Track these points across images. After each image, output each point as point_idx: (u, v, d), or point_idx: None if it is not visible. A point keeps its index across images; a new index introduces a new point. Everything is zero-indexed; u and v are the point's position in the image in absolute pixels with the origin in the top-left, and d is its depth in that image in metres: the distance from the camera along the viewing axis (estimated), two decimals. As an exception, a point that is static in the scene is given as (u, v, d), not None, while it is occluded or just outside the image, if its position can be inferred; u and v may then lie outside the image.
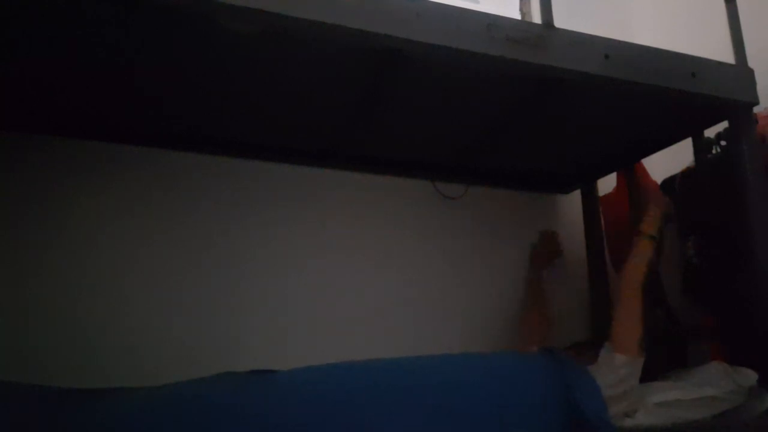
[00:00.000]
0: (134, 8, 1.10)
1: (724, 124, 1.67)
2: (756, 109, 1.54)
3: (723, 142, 1.71)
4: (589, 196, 2.10)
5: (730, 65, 1.51)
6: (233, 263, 1.67)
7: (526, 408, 1.12)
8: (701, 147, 1.74)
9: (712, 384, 1.37)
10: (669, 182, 1.88)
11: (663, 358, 1.85)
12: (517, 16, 2.33)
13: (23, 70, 1.31)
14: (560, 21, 1.34)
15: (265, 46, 1.24)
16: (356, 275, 1.80)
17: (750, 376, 1.41)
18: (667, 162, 1.95)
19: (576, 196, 2.15)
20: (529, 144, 1.82)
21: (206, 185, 1.70)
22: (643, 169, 2.00)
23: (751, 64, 1.53)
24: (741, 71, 1.51)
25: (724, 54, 1.53)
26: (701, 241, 1.72)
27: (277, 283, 1.70)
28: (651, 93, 1.43)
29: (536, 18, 1.78)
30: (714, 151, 1.74)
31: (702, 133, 1.75)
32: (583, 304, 2.10)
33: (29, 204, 1.52)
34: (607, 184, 2.11)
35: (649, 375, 1.42)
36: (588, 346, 1.51)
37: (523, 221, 2.09)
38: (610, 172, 2.07)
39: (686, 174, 1.81)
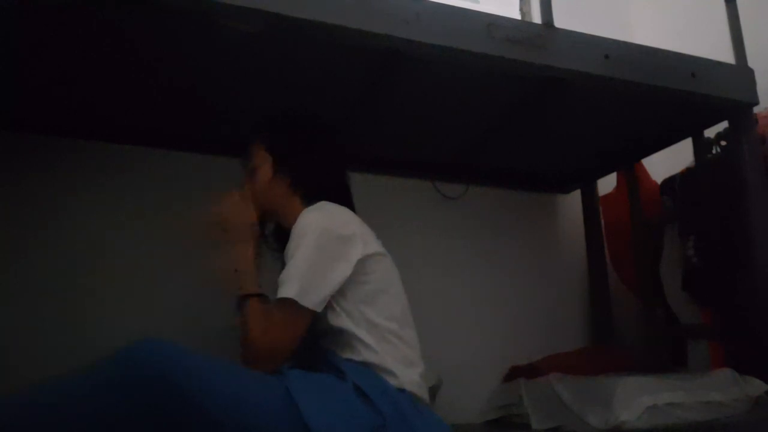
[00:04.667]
0: (135, 8, 1.10)
1: (724, 124, 1.67)
2: (756, 109, 1.54)
3: (723, 142, 1.71)
4: (589, 196, 2.10)
5: (730, 65, 1.52)
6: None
7: None
8: (701, 147, 1.74)
9: (718, 389, 1.37)
10: (669, 182, 1.88)
11: (663, 358, 1.86)
12: (517, 16, 2.33)
13: (23, 69, 1.31)
14: (560, 21, 1.34)
15: (264, 47, 1.24)
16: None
17: (758, 386, 1.41)
18: (667, 162, 1.95)
19: (576, 196, 2.15)
20: (529, 144, 1.82)
21: (207, 185, 1.69)
22: (643, 169, 2.01)
23: (751, 64, 1.53)
24: (741, 71, 1.51)
25: (724, 54, 1.53)
26: (701, 241, 1.72)
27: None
28: (651, 93, 1.43)
29: (536, 18, 1.78)
30: (714, 151, 1.75)
31: (702, 133, 1.75)
32: (583, 304, 2.10)
33: (29, 204, 1.52)
34: (607, 184, 2.11)
35: (649, 374, 1.43)
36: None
37: (523, 221, 2.09)
38: (610, 172, 2.07)
39: (686, 174, 1.81)
